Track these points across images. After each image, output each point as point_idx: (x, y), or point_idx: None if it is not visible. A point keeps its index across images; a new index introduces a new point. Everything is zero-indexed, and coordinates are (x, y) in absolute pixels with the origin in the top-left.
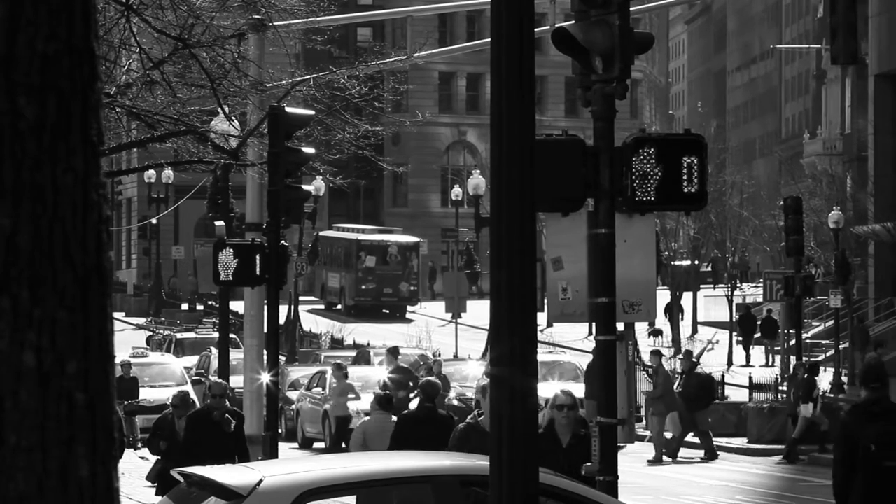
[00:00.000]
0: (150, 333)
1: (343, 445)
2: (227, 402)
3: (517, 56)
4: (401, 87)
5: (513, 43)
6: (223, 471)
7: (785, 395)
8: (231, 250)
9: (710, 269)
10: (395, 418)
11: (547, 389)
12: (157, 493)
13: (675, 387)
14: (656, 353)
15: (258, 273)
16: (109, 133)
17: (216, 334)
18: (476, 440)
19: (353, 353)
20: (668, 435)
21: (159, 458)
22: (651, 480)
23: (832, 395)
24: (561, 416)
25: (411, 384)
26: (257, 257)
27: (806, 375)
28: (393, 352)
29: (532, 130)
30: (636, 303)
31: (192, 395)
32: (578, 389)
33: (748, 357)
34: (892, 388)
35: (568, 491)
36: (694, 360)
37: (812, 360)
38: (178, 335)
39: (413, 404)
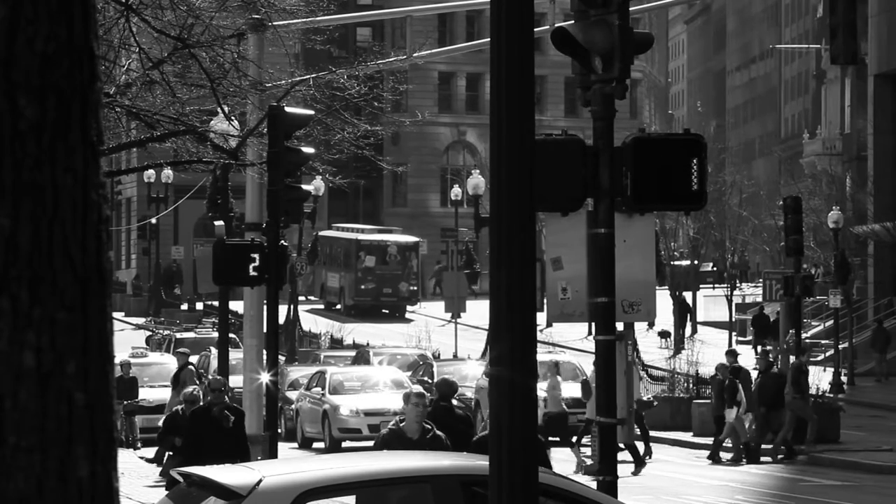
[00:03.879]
0: (150, 333)
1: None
2: (227, 398)
3: (517, 56)
4: (400, 86)
5: (513, 43)
6: (223, 471)
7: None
8: (231, 250)
9: (713, 268)
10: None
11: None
12: (167, 488)
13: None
14: (732, 353)
15: (258, 273)
16: (109, 133)
17: (216, 334)
18: (398, 446)
19: (353, 353)
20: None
21: (173, 454)
22: (651, 480)
23: (832, 395)
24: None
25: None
26: (257, 257)
27: (728, 381)
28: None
29: (532, 130)
30: (636, 303)
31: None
32: (577, 389)
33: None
34: (890, 387)
35: (568, 491)
36: (770, 359)
37: (736, 365)
38: (178, 335)
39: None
